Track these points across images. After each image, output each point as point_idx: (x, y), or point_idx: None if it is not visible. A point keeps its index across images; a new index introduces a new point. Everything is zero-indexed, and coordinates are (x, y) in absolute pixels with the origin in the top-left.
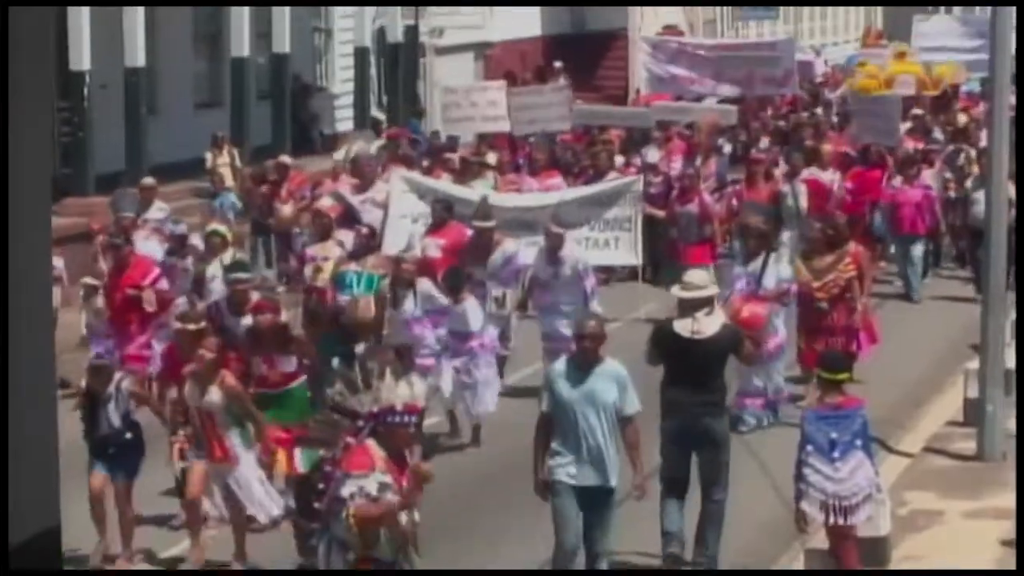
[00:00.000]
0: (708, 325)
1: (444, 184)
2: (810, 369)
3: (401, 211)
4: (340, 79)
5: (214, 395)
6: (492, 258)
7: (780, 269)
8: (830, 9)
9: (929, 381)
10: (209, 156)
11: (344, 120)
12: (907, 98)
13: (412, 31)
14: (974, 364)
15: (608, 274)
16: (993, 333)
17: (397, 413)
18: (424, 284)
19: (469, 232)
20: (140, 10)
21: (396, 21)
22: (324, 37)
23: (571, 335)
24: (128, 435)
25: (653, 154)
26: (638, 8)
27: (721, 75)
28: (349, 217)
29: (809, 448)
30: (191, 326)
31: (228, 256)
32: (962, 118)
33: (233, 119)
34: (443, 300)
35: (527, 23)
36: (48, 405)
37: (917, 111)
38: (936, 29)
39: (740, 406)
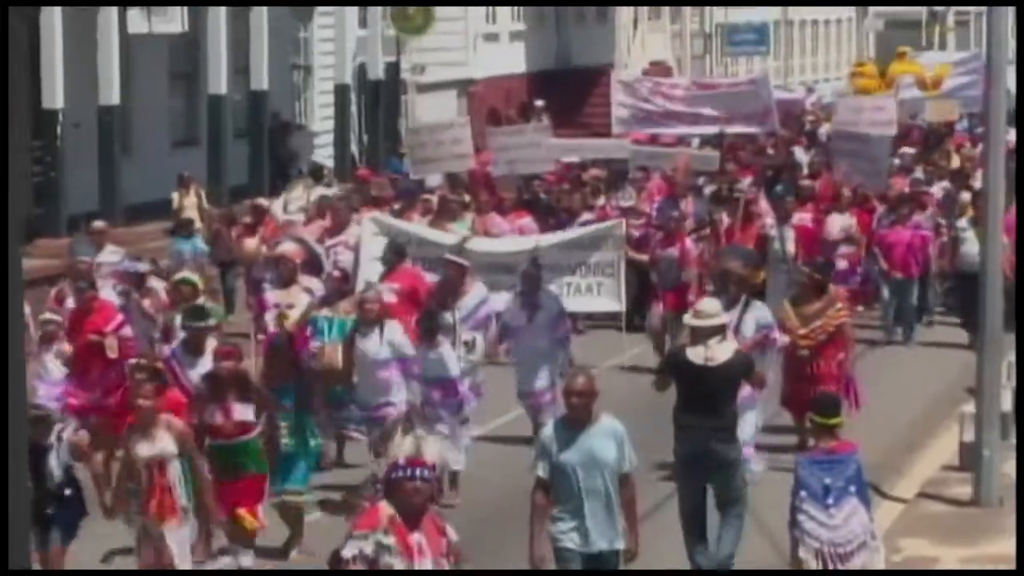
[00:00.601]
0: (720, 352)
1: (417, 227)
2: (797, 418)
3: (373, 254)
4: (320, 117)
5: (166, 442)
6: (464, 301)
7: (759, 315)
8: (822, 45)
9: (924, 424)
10: (176, 197)
11: (324, 159)
12: (898, 136)
13: (393, 68)
14: (970, 407)
15: (589, 321)
16: (989, 375)
17: (400, 468)
18: (392, 326)
19: (425, 276)
20: (115, 47)
21: (377, 58)
22: (303, 74)
23: (545, 389)
24: (68, 491)
25: (628, 196)
26: (624, 44)
27: (698, 113)
28: (313, 263)
29: (803, 494)
30: (140, 376)
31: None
32: (955, 158)
33: (210, 158)
34: (408, 348)
35: (511, 59)
36: (20, 457)
37: (907, 149)
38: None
39: None
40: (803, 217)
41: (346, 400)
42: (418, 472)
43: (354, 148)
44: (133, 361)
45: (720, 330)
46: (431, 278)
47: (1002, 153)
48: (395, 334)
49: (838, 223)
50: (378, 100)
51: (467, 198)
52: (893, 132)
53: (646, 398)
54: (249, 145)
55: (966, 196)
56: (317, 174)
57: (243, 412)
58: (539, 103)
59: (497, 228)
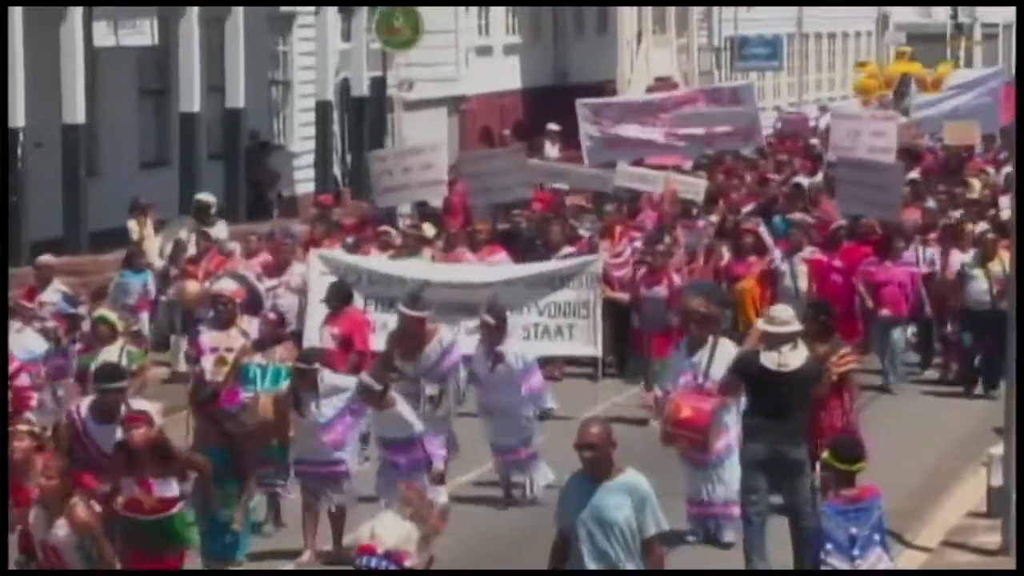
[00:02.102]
0: (793, 359)
1: (373, 261)
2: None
3: (320, 295)
4: (300, 136)
5: (60, 529)
6: (426, 351)
7: (730, 357)
8: (839, 60)
9: (948, 468)
10: (133, 225)
11: (305, 181)
12: (906, 160)
13: (379, 84)
14: (998, 449)
15: (570, 367)
16: (1019, 415)
17: (356, 555)
18: (329, 376)
19: (369, 319)
20: (79, 62)
21: (362, 73)
22: (282, 90)
23: (518, 445)
24: None
25: (591, 224)
26: (627, 59)
27: (675, 133)
28: (254, 302)
29: (829, 547)
30: (24, 441)
31: (115, 350)
32: (975, 184)
33: (182, 180)
34: (347, 384)
35: (505, 75)
36: None
37: (913, 175)
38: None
39: (696, 516)
40: (814, 250)
41: (276, 458)
42: (365, 561)
43: (337, 170)
44: (24, 426)
45: (792, 337)
46: (387, 319)
47: None
48: (333, 378)
49: None
50: (362, 118)
51: (431, 231)
52: (891, 158)
53: (631, 451)
54: (224, 167)
55: (978, 227)
56: (202, 213)
57: (163, 488)
58: (553, 127)
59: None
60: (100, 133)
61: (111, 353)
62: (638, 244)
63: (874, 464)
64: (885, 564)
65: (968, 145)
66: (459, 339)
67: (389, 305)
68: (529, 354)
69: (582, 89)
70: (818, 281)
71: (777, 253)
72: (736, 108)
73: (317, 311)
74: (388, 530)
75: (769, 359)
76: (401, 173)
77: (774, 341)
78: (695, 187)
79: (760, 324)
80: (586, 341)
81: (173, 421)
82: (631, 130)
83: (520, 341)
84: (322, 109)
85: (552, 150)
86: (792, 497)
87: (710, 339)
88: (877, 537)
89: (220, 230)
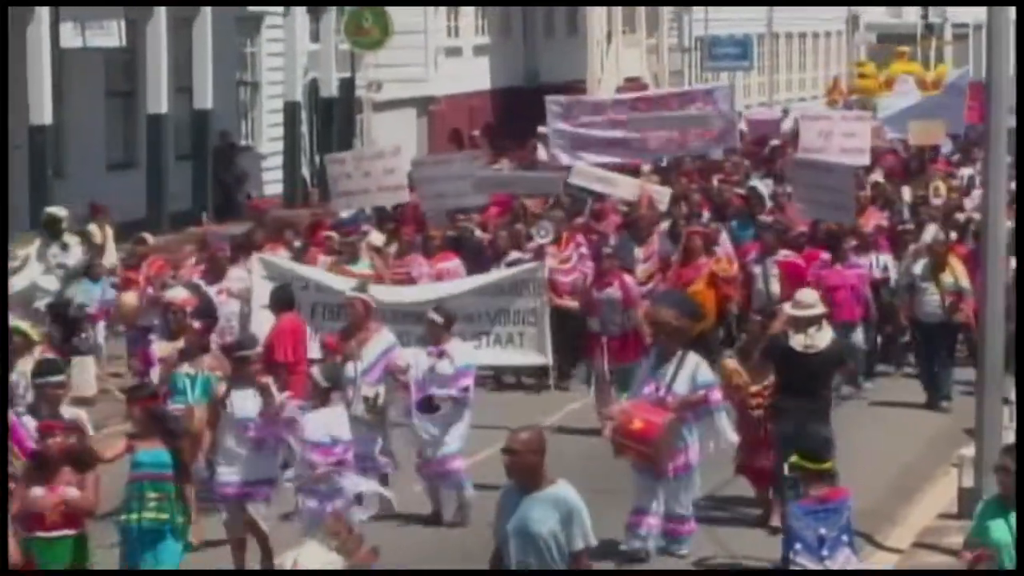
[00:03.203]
0: (820, 340)
1: (313, 270)
2: (761, 489)
3: (262, 301)
4: (268, 137)
5: None
6: (366, 349)
7: (698, 372)
8: (810, 60)
9: (919, 469)
10: (94, 229)
11: (273, 182)
12: (872, 161)
13: (348, 84)
14: (969, 450)
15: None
16: (990, 415)
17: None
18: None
19: (304, 329)
20: (46, 63)
21: (330, 74)
22: (250, 91)
23: (454, 454)
24: None
25: (547, 230)
26: (597, 59)
27: (647, 135)
28: (206, 311)
29: (797, 547)
30: None
31: (31, 360)
32: (940, 186)
33: (149, 182)
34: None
35: (475, 76)
36: None
37: (876, 178)
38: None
39: (634, 525)
40: (788, 253)
41: (202, 475)
42: None
43: (305, 171)
44: None
45: (818, 319)
46: (334, 327)
47: (1003, 179)
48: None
49: None
50: (331, 119)
51: (375, 238)
52: (865, 161)
53: (584, 463)
54: (192, 168)
55: (929, 235)
56: (52, 227)
57: (72, 498)
58: (543, 129)
59: (418, 271)
60: (67, 134)
61: (25, 365)
62: (584, 250)
63: (844, 465)
64: (853, 565)
65: (933, 145)
66: (408, 349)
67: (336, 315)
68: (470, 357)
69: (552, 89)
70: (791, 285)
71: (751, 256)
72: (710, 108)
73: (262, 317)
74: (311, 561)
75: (796, 341)
76: (361, 177)
77: (801, 324)
78: (660, 195)
79: (786, 308)
80: (536, 349)
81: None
82: (601, 131)
83: (465, 345)
84: (291, 110)
85: (544, 153)
86: None
87: (678, 352)
88: (845, 538)
89: (74, 247)
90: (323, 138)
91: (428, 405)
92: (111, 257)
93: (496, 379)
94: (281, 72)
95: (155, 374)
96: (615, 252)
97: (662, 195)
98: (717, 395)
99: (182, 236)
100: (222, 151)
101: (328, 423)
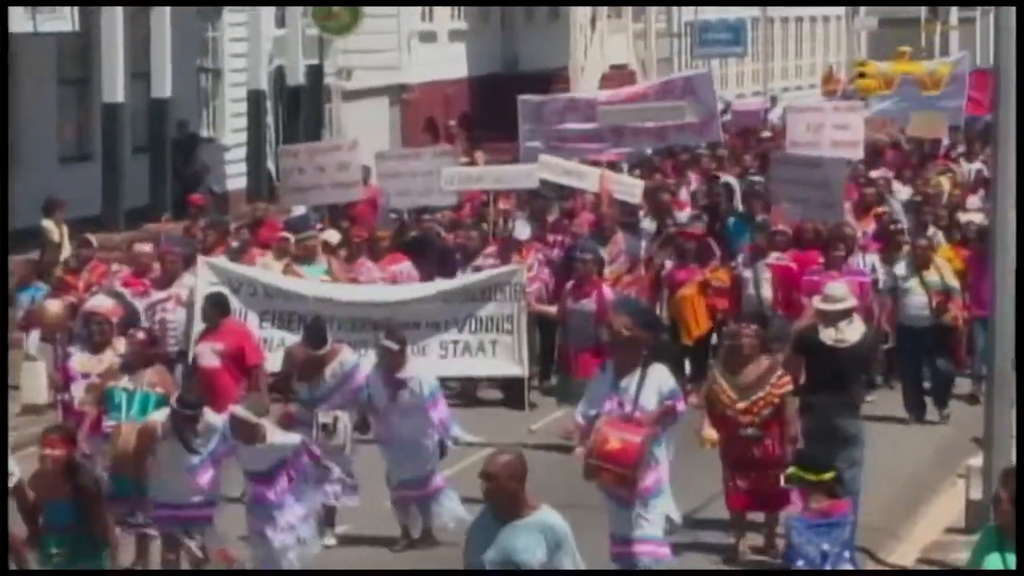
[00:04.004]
0: (851, 334)
1: (269, 275)
2: (739, 512)
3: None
4: (231, 128)
5: None
6: (325, 373)
7: (661, 382)
8: (807, 46)
9: (924, 481)
10: (50, 226)
11: (236, 176)
12: (868, 155)
13: (316, 72)
14: (977, 460)
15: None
16: (999, 424)
17: None
18: (209, 415)
19: (255, 334)
20: None
21: (297, 61)
22: (212, 79)
23: (421, 480)
24: None
25: (522, 229)
26: (581, 46)
27: (623, 129)
28: (131, 322)
29: (800, 563)
30: None
31: None
32: (943, 182)
33: (105, 176)
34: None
35: (451, 63)
36: None
37: (874, 173)
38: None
39: (622, 556)
40: (781, 256)
41: (131, 494)
42: None
43: (271, 164)
44: None
45: (848, 313)
46: (285, 336)
47: (1012, 177)
48: (211, 417)
49: None
50: (298, 109)
51: (331, 236)
52: (858, 155)
53: (565, 479)
54: (150, 161)
55: (932, 230)
56: None
57: None
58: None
59: (367, 276)
60: (16, 125)
61: None
62: (542, 256)
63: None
64: None
65: (934, 139)
66: (363, 362)
67: (288, 322)
68: (434, 380)
69: (533, 78)
70: (783, 290)
71: (740, 258)
72: (690, 98)
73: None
74: None
75: (827, 335)
76: (314, 172)
77: (830, 318)
78: (631, 187)
79: (815, 302)
80: (510, 358)
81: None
82: (574, 125)
83: (427, 363)
84: (255, 99)
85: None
86: (843, 467)
87: (641, 363)
88: (847, 554)
89: None
90: (289, 129)
91: (442, 450)
92: (66, 255)
93: (465, 393)
94: (245, 59)
95: (75, 389)
96: (599, 257)
97: (634, 187)
98: (682, 404)
99: (139, 234)
100: (181, 143)
101: (268, 448)
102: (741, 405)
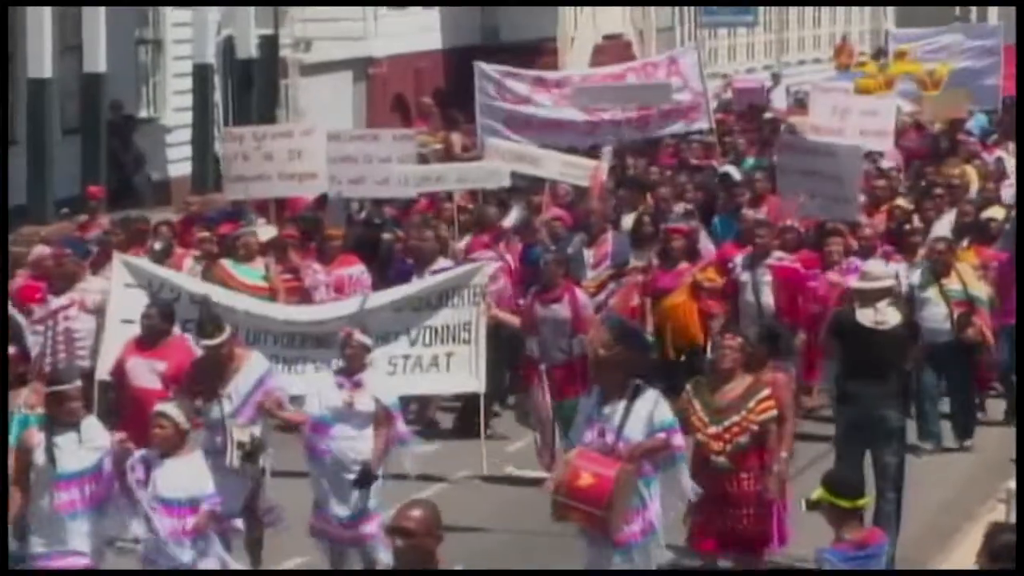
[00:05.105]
0: (890, 315)
1: (186, 279)
2: (708, 556)
3: (124, 313)
4: (174, 107)
5: None
6: (235, 382)
7: (655, 412)
8: (826, 15)
9: (959, 506)
10: None
11: (180, 161)
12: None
13: (270, 43)
14: (1014, 483)
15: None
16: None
17: None
18: (92, 425)
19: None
20: None
21: (248, 31)
22: (152, 51)
23: (365, 515)
24: None
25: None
26: (570, 14)
27: (601, 114)
28: (13, 336)
29: None
30: None
31: None
32: (968, 171)
33: (31, 161)
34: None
35: (423, 33)
36: None
37: (887, 164)
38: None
39: None
40: (783, 256)
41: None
42: None
43: (219, 148)
44: None
45: (888, 292)
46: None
47: None
48: (96, 436)
49: None
50: (250, 85)
51: (264, 231)
52: (888, 146)
53: (526, 517)
54: (82, 144)
55: (939, 230)
56: None
57: None
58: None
59: (312, 279)
60: None
61: None
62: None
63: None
64: None
65: (957, 119)
66: (273, 368)
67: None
68: (393, 395)
69: (515, 50)
70: (787, 296)
71: (737, 259)
72: (677, 80)
73: (117, 334)
74: None
75: (865, 316)
76: (260, 160)
77: (869, 297)
78: (584, 169)
79: (852, 282)
80: (466, 373)
81: None
82: (544, 109)
83: (383, 377)
84: (200, 75)
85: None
86: (886, 465)
87: (628, 387)
88: None
89: None
90: (240, 108)
91: (366, 478)
92: None
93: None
94: (189, 29)
95: None
96: (564, 256)
97: (579, 171)
98: (680, 439)
99: (71, 226)
100: (118, 125)
101: (185, 476)
102: (712, 431)
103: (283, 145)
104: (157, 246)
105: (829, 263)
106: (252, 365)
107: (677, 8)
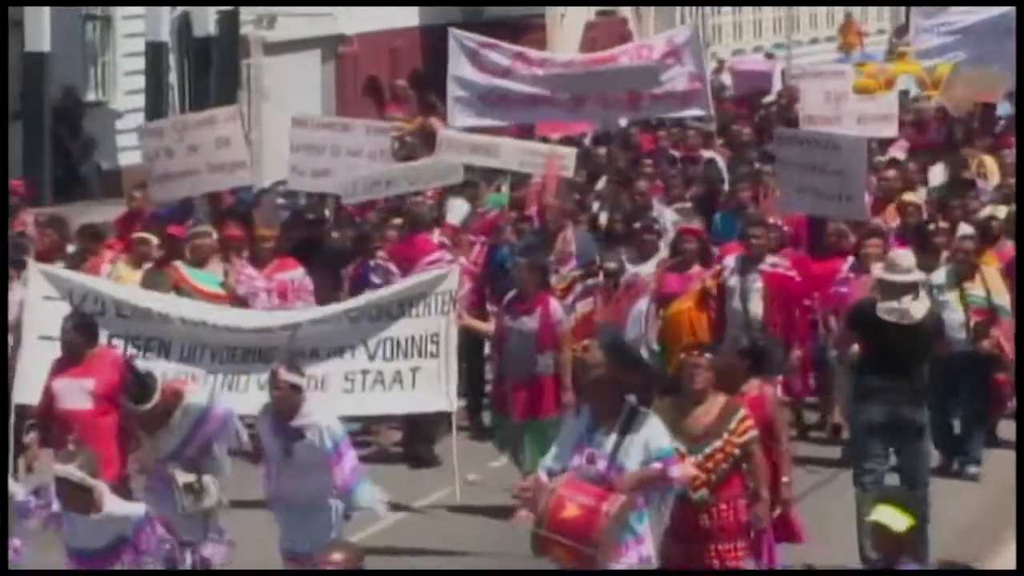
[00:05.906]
0: (916, 310)
1: (121, 289)
2: None
3: (42, 329)
4: (124, 90)
5: None
6: (169, 425)
7: (652, 439)
8: None
9: (980, 530)
10: None
11: (131, 149)
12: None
13: (230, 20)
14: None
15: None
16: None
17: None
18: (60, 469)
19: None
20: None
21: (207, 6)
22: (101, 28)
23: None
24: None
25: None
26: None
27: (584, 95)
28: None
29: None
30: None
31: None
32: (987, 162)
33: None
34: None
35: (398, 10)
36: None
37: (896, 154)
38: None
39: None
40: (777, 262)
41: None
42: None
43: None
44: None
45: (914, 287)
46: (150, 368)
47: None
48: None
49: None
50: (208, 65)
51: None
52: (892, 132)
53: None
54: (24, 130)
55: (966, 229)
56: None
57: None
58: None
59: (246, 286)
60: None
61: None
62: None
63: None
64: None
65: (986, 103)
66: (218, 399)
67: (146, 348)
68: (339, 427)
69: (500, 27)
70: (780, 306)
71: (728, 261)
72: (673, 62)
73: (36, 352)
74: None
75: (888, 310)
76: (185, 154)
77: (893, 291)
78: (566, 158)
79: (876, 272)
80: (434, 390)
81: None
82: (522, 86)
83: (327, 401)
84: (154, 53)
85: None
86: (911, 464)
87: (623, 409)
88: None
89: None
90: (197, 91)
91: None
92: None
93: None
94: (141, 4)
95: None
96: (543, 261)
97: (566, 158)
98: (678, 469)
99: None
100: (65, 109)
101: (105, 526)
102: (692, 459)
103: (207, 135)
104: (71, 248)
105: (865, 267)
106: (187, 404)
107: None
